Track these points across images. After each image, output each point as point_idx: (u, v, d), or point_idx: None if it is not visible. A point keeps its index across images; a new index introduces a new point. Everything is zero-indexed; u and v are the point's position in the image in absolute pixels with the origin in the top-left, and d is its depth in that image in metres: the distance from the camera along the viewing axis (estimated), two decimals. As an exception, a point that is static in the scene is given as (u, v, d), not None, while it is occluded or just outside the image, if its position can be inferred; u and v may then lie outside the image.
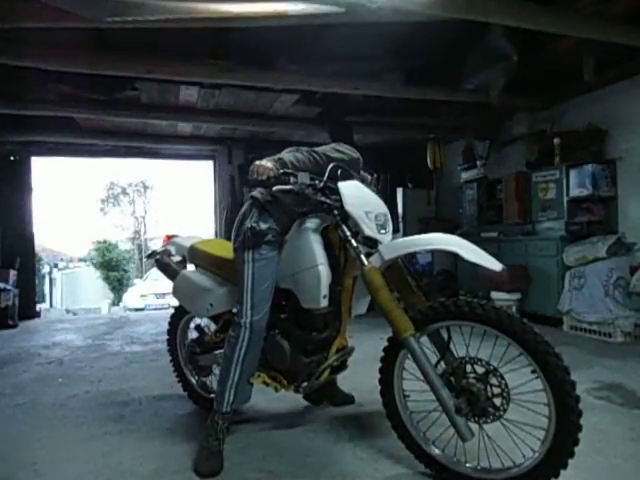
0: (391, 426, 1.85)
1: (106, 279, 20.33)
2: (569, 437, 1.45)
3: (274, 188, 1.74)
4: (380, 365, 1.85)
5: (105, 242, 21.53)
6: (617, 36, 3.30)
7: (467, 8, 2.82)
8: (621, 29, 3.26)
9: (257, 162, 1.76)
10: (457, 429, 1.59)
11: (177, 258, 2.48)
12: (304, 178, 1.78)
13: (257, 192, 2.06)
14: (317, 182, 1.83)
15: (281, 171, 1.75)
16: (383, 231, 1.78)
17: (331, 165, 1.92)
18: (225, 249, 2.22)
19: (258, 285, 1.91)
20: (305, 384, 1.99)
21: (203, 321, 2.53)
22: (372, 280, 1.68)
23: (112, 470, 1.89)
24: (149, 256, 2.58)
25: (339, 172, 1.97)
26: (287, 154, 1.91)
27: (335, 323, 1.98)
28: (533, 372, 1.51)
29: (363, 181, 2.09)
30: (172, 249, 2.48)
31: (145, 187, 26.61)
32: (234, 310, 2.08)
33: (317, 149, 2.01)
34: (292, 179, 1.76)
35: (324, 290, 1.81)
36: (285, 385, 2.03)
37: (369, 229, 1.75)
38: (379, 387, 1.87)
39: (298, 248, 1.89)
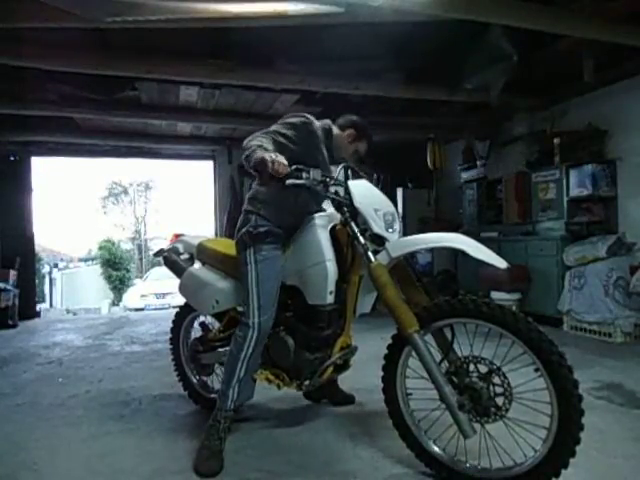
0: (392, 424, 1.85)
1: (108, 278, 20.32)
2: (571, 436, 1.46)
3: (287, 182, 1.76)
4: (383, 363, 1.86)
5: (109, 241, 21.58)
6: (617, 36, 3.30)
7: (467, 8, 2.82)
8: (621, 29, 3.26)
9: (271, 156, 1.73)
10: (459, 426, 1.60)
11: (184, 256, 2.52)
12: (316, 175, 1.81)
13: (247, 204, 2.09)
14: (328, 179, 1.87)
15: (294, 167, 1.77)
16: (391, 229, 1.81)
17: (341, 165, 1.96)
18: (232, 247, 2.24)
19: (262, 285, 1.93)
20: (308, 382, 2.00)
21: (207, 319, 2.55)
22: (379, 276, 1.70)
23: (112, 470, 1.90)
24: (157, 254, 2.62)
25: (349, 171, 2.01)
26: (255, 142, 1.86)
27: (339, 321, 1.99)
28: (536, 370, 1.51)
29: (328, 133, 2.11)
30: (180, 247, 2.52)
31: (146, 187, 26.64)
32: (239, 309, 2.09)
33: (270, 129, 1.99)
34: (304, 174, 1.79)
35: (331, 286, 1.83)
36: (288, 382, 2.04)
37: (377, 226, 1.78)
38: (382, 385, 1.87)
39: (306, 244, 1.92)
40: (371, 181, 2.06)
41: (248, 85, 4.32)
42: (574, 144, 4.52)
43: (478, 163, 5.89)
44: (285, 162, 1.74)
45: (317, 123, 2.07)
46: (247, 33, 3.35)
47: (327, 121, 2.19)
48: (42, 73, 3.82)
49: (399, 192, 6.91)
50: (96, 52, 3.64)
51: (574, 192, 4.47)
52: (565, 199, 4.53)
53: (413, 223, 6.61)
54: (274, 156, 1.72)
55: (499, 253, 1.68)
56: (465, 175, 6.17)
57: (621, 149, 4.39)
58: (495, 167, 5.67)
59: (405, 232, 6.52)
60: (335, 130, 2.17)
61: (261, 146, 1.81)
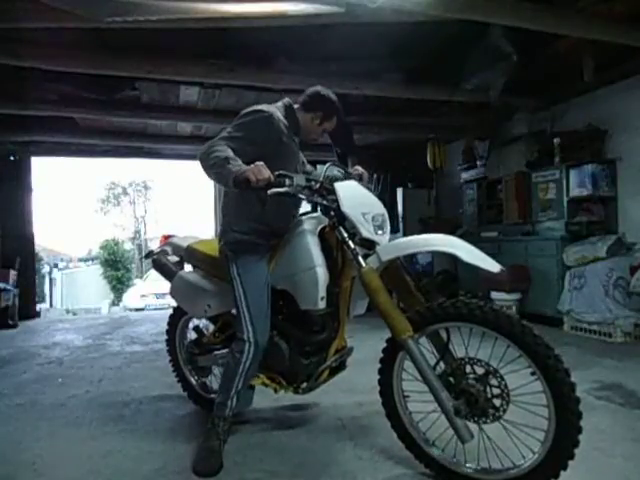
0: (391, 426, 1.85)
1: (108, 277, 20.33)
2: (569, 439, 1.45)
3: (269, 192, 1.70)
4: (379, 366, 1.85)
5: (113, 239, 21.62)
6: (617, 36, 3.30)
7: (468, 8, 2.81)
8: (621, 29, 3.26)
9: (252, 171, 1.65)
10: (456, 431, 1.59)
11: (174, 258, 2.45)
12: (300, 180, 1.76)
13: (222, 218, 2.07)
14: (313, 183, 1.82)
15: (276, 173, 1.71)
16: (380, 232, 1.77)
17: (328, 164, 1.92)
18: None
19: (250, 298, 1.91)
20: (304, 385, 1.99)
21: (201, 322, 2.52)
22: (370, 282, 1.67)
23: (112, 470, 1.90)
24: (146, 256, 2.56)
25: (335, 171, 1.97)
26: (218, 152, 1.76)
27: (333, 324, 1.97)
28: (533, 374, 1.50)
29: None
30: (169, 249, 2.45)
31: (146, 187, 26.64)
32: (233, 311, 2.07)
33: (223, 133, 1.87)
34: (287, 181, 1.72)
35: (322, 292, 1.79)
36: (284, 386, 2.02)
37: (366, 231, 1.73)
38: (378, 387, 1.86)
39: (295, 250, 1.88)
40: (359, 179, 2.03)
41: (248, 85, 4.32)
42: (574, 144, 4.53)
43: (478, 163, 5.89)
44: (266, 170, 1.66)
45: (275, 112, 1.92)
46: (247, 33, 3.35)
47: (286, 100, 2.05)
48: (42, 73, 3.82)
49: (399, 192, 6.91)
50: (96, 52, 3.64)
51: (574, 192, 4.47)
52: (565, 199, 4.53)
53: (413, 223, 6.62)
54: (255, 169, 1.65)
55: (499, 253, 1.67)
56: (465, 175, 6.17)
57: (621, 149, 4.39)
58: (495, 167, 5.67)
59: (405, 232, 6.51)
60: (299, 111, 2.02)
61: (227, 158, 1.71)
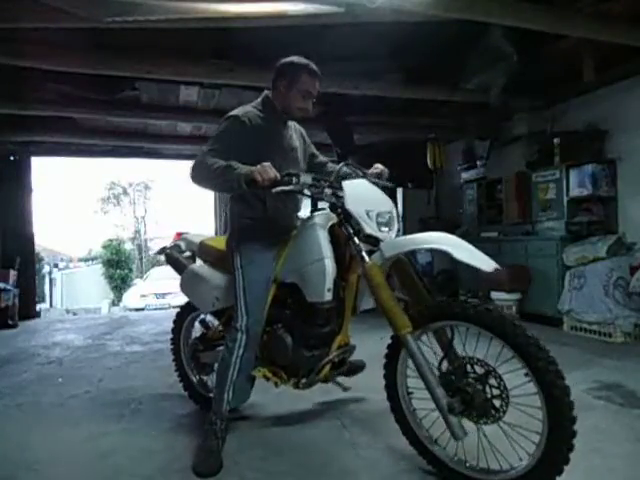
0: (395, 420, 1.87)
1: (110, 277, 20.30)
2: (563, 443, 1.42)
3: (274, 190, 1.74)
4: (384, 361, 1.87)
5: (116, 239, 21.65)
6: (617, 36, 3.30)
7: (468, 8, 2.82)
8: (621, 29, 3.26)
9: (259, 170, 1.72)
10: (449, 427, 1.60)
11: (186, 254, 2.56)
12: (306, 178, 1.81)
13: (229, 212, 2.12)
14: (322, 182, 1.87)
15: (284, 173, 1.77)
16: (385, 229, 1.79)
17: (341, 164, 1.97)
18: None
19: (250, 289, 1.95)
20: (304, 380, 2.00)
21: (208, 317, 2.57)
22: (373, 277, 1.70)
23: (112, 470, 1.90)
24: (160, 251, 2.68)
25: (347, 169, 2.01)
26: (218, 163, 1.80)
27: (338, 319, 2.00)
28: (526, 375, 1.49)
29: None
30: (182, 245, 2.57)
31: (146, 187, 26.60)
32: None
33: (206, 149, 1.91)
34: (294, 179, 1.78)
35: (329, 283, 1.83)
36: (285, 380, 2.04)
37: (369, 227, 1.77)
38: (384, 382, 1.88)
39: (305, 242, 1.93)
40: (379, 177, 2.05)
41: (248, 85, 4.31)
42: (574, 144, 4.52)
43: (478, 163, 5.89)
44: (271, 169, 1.72)
45: (248, 111, 1.98)
46: (247, 33, 3.35)
47: (264, 93, 2.10)
48: (42, 73, 3.82)
49: (399, 192, 6.91)
50: (96, 52, 3.64)
51: (574, 192, 4.47)
52: (565, 199, 4.53)
53: (413, 223, 6.62)
54: (260, 169, 1.71)
55: (499, 253, 1.67)
56: (465, 175, 6.17)
57: (621, 149, 4.39)
58: (495, 167, 5.67)
59: (405, 232, 6.53)
60: (272, 93, 2.06)
61: (229, 164, 1.77)
